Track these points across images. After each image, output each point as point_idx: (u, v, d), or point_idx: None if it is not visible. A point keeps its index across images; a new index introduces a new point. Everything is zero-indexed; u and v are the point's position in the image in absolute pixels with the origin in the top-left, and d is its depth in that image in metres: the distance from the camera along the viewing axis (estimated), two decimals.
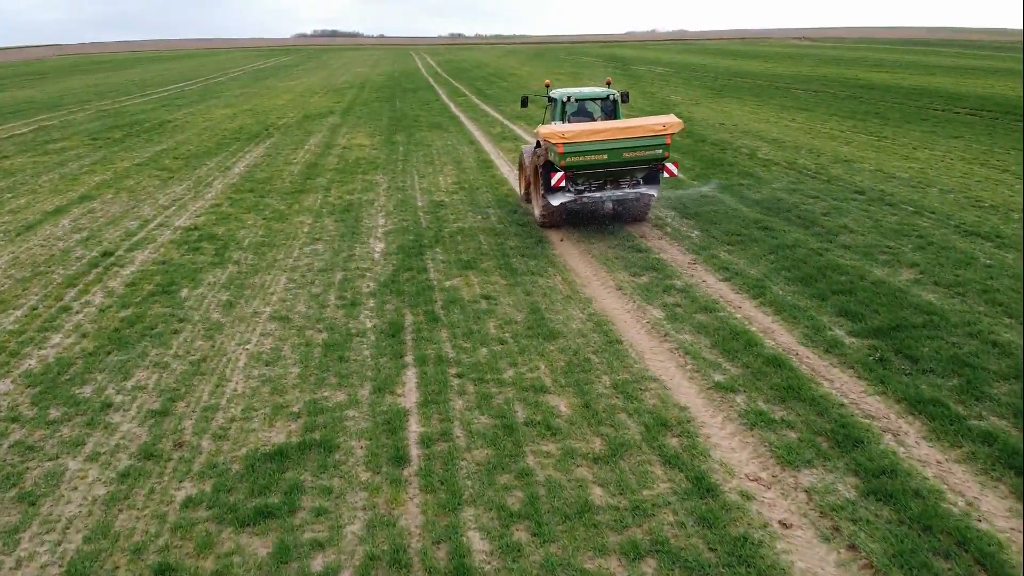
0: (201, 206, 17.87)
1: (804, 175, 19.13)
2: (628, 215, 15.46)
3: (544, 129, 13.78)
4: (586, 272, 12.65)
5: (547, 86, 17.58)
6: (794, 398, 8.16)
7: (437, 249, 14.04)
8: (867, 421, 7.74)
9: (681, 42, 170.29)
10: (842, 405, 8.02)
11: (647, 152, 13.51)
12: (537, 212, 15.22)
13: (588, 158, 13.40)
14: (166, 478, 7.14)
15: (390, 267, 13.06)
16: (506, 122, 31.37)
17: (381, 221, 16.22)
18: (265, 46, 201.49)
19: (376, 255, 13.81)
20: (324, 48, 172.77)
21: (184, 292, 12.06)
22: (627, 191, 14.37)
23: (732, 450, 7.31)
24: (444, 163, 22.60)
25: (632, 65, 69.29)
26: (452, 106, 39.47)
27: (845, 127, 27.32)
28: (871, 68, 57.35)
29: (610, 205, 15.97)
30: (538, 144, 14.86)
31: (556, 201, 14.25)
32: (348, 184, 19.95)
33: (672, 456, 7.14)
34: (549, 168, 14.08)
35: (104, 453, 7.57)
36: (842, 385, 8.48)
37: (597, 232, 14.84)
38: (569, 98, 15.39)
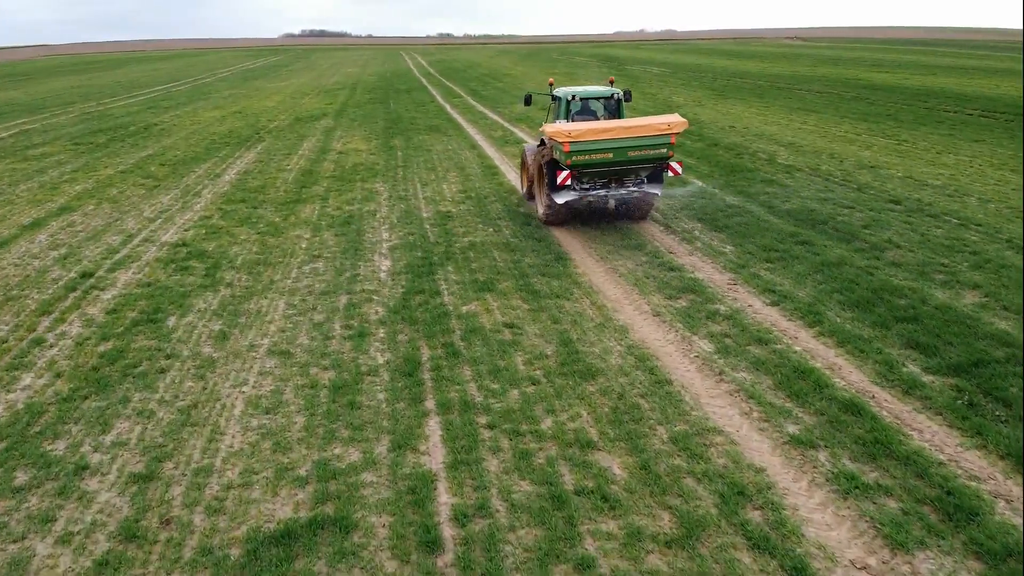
0: (189, 219, 16.58)
1: (831, 182, 18.01)
2: (631, 214, 15.31)
3: (550, 128, 13.81)
4: (616, 294, 11.46)
5: (551, 85, 17.43)
6: (884, 455, 7.00)
7: (449, 267, 12.83)
8: (973, 484, 6.60)
9: (672, 42, 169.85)
10: (941, 464, 6.87)
11: (652, 151, 13.48)
12: (541, 210, 15.19)
13: (594, 157, 13.37)
14: (152, 568, 5.90)
15: (399, 289, 11.83)
16: (507, 125, 30.15)
17: (385, 235, 14.99)
18: (254, 46, 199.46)
19: (383, 275, 12.57)
20: (313, 48, 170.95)
21: (171, 321, 10.79)
22: (631, 190, 14.30)
23: (827, 527, 6.13)
24: (447, 169, 21.38)
25: (627, 65, 68.21)
26: (448, 108, 38.22)
27: (860, 130, 26.26)
28: (870, 68, 56.50)
29: (612, 204, 15.60)
30: (542, 143, 15.05)
31: (561, 199, 14.15)
32: (347, 193, 18.69)
33: (759, 537, 5.95)
34: (554, 166, 14.03)
35: (79, 533, 6.32)
36: (934, 437, 7.33)
37: (621, 246, 13.67)
38: (574, 97, 15.23)
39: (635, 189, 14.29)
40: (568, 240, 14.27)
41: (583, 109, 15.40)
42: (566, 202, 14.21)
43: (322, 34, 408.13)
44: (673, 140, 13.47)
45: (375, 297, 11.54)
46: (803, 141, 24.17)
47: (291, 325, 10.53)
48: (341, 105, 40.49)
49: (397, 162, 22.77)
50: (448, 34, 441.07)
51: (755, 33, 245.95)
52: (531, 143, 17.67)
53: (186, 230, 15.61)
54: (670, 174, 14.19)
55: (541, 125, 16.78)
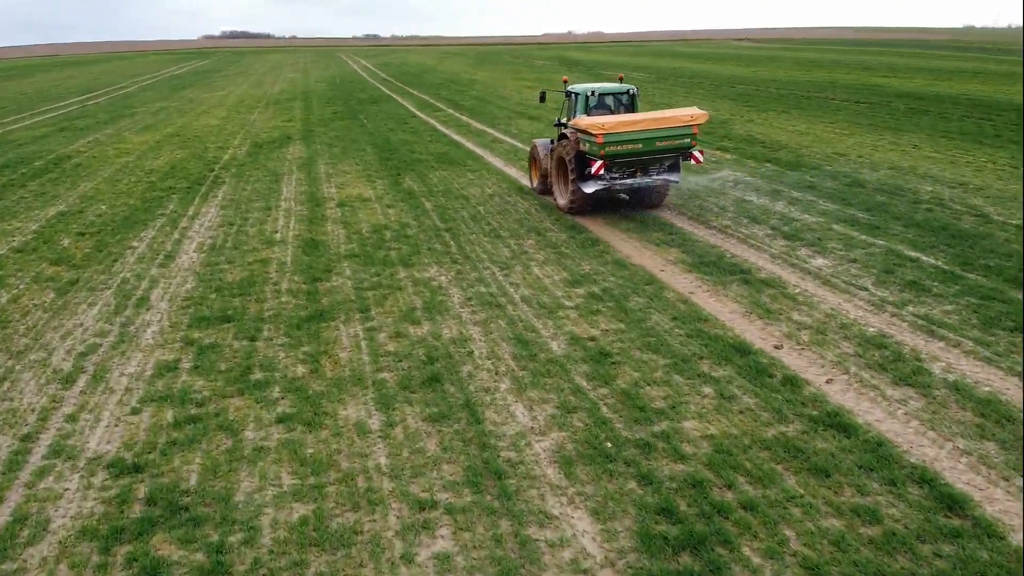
0: (134, 383, 8.90)
1: None
2: (646, 202, 15.87)
3: (584, 121, 14.11)
4: None
5: (565, 82, 17.28)
6: None
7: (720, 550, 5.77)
8: None
9: (622, 44, 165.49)
10: None
11: (677, 141, 14.13)
12: (564, 200, 15.58)
13: (625, 147, 13.86)
14: None
15: None
16: (527, 148, 23.00)
17: (522, 416, 7.79)
18: (173, 49, 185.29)
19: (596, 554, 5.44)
20: (240, 51, 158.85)
21: None
22: (655, 178, 14.90)
23: None
24: (516, 232, 14.24)
25: (596, 70, 61.65)
26: (438, 125, 30.79)
27: (983, 155, 20.25)
28: (871, 72, 51.56)
29: (625, 194, 16.32)
30: (562, 137, 15.35)
31: (590, 189, 14.65)
32: (393, 294, 11.35)
33: None
34: (582, 158, 14.52)
35: None
36: None
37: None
38: (593, 92, 15.48)
39: (658, 177, 14.92)
40: None
41: (599, 104, 15.55)
42: (595, 191, 14.67)
43: (243, 36, 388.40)
44: (696, 131, 14.23)
45: None
46: (960, 176, 17.90)
47: None
48: (303, 123, 32.54)
49: (434, 221, 15.43)
50: (375, 35, 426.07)
51: (682, 35, 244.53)
52: (542, 139, 17.52)
53: (133, 423, 7.98)
54: (692, 163, 14.93)
55: (554, 123, 16.92)
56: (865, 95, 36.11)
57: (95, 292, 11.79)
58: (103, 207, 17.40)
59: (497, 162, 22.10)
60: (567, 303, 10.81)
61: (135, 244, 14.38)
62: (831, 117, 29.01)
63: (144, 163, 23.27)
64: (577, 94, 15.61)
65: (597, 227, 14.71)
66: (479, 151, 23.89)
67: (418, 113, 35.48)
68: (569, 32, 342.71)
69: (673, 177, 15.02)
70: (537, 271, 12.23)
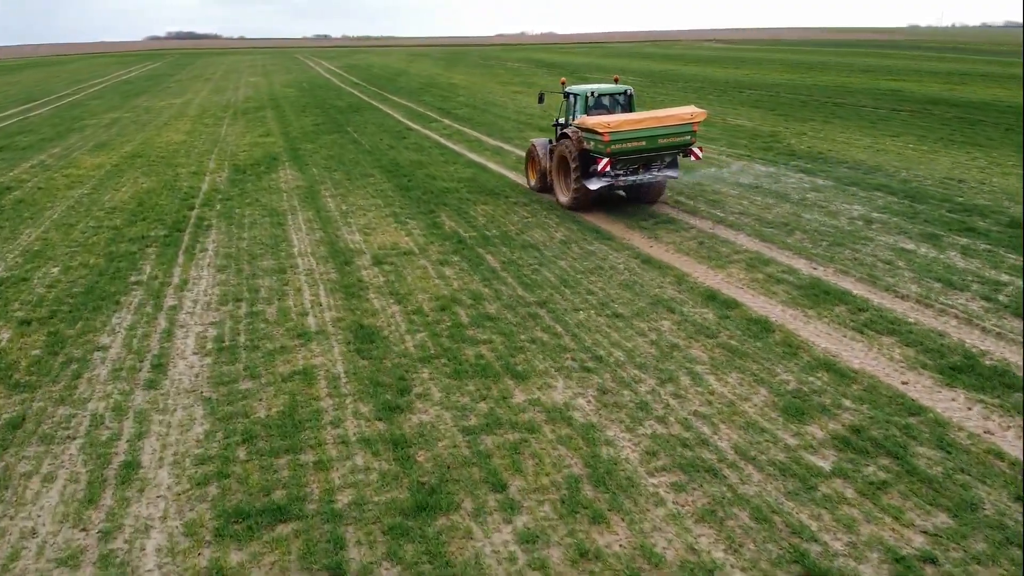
0: None
1: None
2: (644, 198, 16.12)
3: (590, 120, 14.35)
4: None
5: (563, 84, 17.47)
6: None
7: None
8: None
9: (589, 44, 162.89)
10: None
11: (678, 138, 14.49)
12: (565, 198, 15.80)
13: (630, 144, 14.15)
14: None
15: None
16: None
17: None
18: (118, 51, 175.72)
19: None
20: (190, 52, 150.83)
21: None
22: (655, 174, 15.18)
23: None
24: (642, 308, 10.20)
25: (586, 73, 57.83)
26: (442, 140, 26.50)
27: None
28: (872, 75, 48.84)
29: (623, 191, 16.42)
30: (563, 136, 15.57)
31: (595, 185, 14.89)
32: (529, 448, 7.22)
33: None
34: (585, 156, 14.81)
35: None
36: None
37: None
38: (593, 93, 15.71)
39: (659, 174, 15.20)
40: None
41: (596, 104, 15.74)
42: (599, 187, 14.89)
43: (190, 36, 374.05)
44: (696, 128, 14.61)
45: None
46: None
47: None
48: (285, 138, 27.90)
49: (514, 289, 11.27)
50: (326, 35, 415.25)
51: (638, 35, 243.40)
52: (540, 139, 17.90)
53: None
54: (692, 159, 15.09)
55: (553, 122, 17.32)
56: (895, 102, 33.00)
57: (51, 449, 7.37)
58: (55, 271, 12.78)
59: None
60: (815, 460, 6.81)
61: (104, 340, 9.89)
62: (887, 129, 25.60)
63: (102, 196, 18.53)
64: (576, 95, 15.82)
65: (751, 299, 10.75)
66: (512, 176, 19.75)
67: (412, 124, 31.08)
68: (523, 33, 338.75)
69: (672, 173, 15.44)
70: (717, 384, 8.22)
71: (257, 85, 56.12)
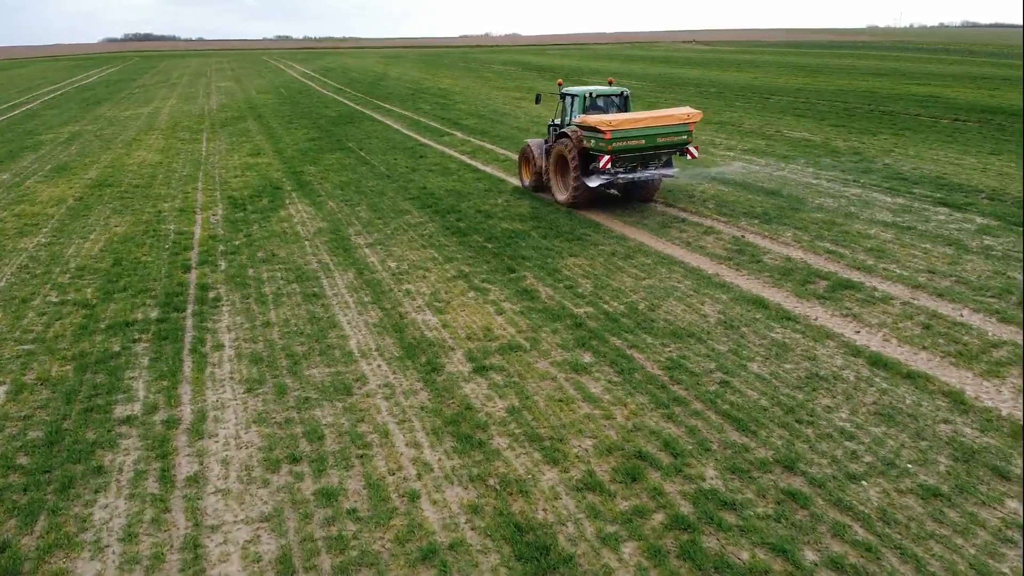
0: None
1: None
2: (639, 196, 16.17)
3: (591, 119, 14.39)
4: None
5: (559, 85, 17.75)
6: None
7: None
8: None
9: (559, 46, 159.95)
10: None
11: (675, 137, 14.57)
12: (564, 196, 15.78)
13: (630, 143, 14.24)
14: None
15: None
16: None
17: None
18: (73, 54, 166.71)
19: None
20: (150, 55, 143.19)
21: None
22: (653, 172, 15.19)
23: None
24: (926, 456, 6.28)
25: (582, 76, 53.97)
26: (467, 159, 22.35)
27: None
28: (888, 79, 45.89)
29: (617, 191, 16.38)
30: (561, 135, 15.54)
31: (595, 183, 14.84)
32: None
33: None
34: (587, 154, 14.93)
35: None
36: None
37: None
38: (591, 94, 15.72)
39: (656, 172, 15.18)
40: None
41: (593, 104, 15.74)
42: (599, 185, 14.85)
43: (148, 38, 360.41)
44: (692, 128, 14.69)
45: None
46: None
47: None
48: (281, 158, 23.44)
49: (708, 417, 7.25)
50: (287, 36, 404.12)
51: (605, 37, 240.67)
52: (535, 139, 18.11)
53: None
54: (688, 157, 15.12)
55: (548, 123, 17.02)
56: (946, 110, 29.76)
57: None
58: (0, 392, 8.39)
59: (634, 232, 14.02)
60: None
61: (84, 571, 5.59)
62: (972, 144, 22.18)
63: (65, 250, 14.00)
64: (575, 96, 15.82)
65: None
66: (587, 213, 15.70)
67: (422, 139, 26.82)
68: (487, 34, 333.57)
69: (668, 171, 15.42)
70: None
71: (230, 91, 51.06)
